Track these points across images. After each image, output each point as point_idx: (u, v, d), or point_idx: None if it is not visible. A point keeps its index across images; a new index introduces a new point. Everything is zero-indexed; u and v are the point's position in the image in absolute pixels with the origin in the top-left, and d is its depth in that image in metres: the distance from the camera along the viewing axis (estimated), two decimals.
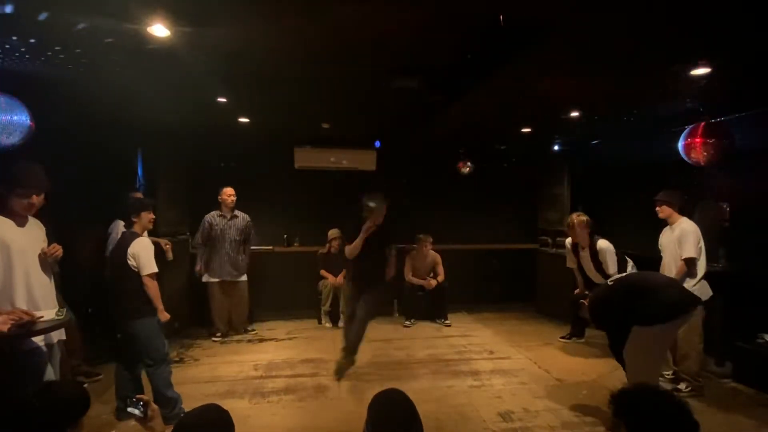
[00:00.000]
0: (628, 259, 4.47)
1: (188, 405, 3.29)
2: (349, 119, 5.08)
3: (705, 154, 3.87)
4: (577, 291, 4.80)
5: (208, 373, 4.23)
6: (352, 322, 4.11)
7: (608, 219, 5.03)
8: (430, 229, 6.02)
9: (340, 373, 4.06)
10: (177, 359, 4.44)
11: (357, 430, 1.53)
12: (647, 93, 3.77)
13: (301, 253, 6.32)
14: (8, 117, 2.85)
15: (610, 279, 3.31)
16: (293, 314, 6.06)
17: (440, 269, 6.02)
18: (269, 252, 6.25)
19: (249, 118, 4.93)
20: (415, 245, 6.03)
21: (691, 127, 3.98)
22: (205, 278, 5.22)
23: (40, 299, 2.45)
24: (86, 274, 3.96)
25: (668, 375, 3.96)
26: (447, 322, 5.90)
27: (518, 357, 4.71)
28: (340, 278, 5.78)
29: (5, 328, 2.09)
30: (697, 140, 3.88)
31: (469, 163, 6.55)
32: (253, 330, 5.49)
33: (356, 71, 3.27)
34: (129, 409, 1.71)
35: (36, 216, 2.56)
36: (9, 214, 2.41)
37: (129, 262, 3.06)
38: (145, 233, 3.26)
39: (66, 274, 3.73)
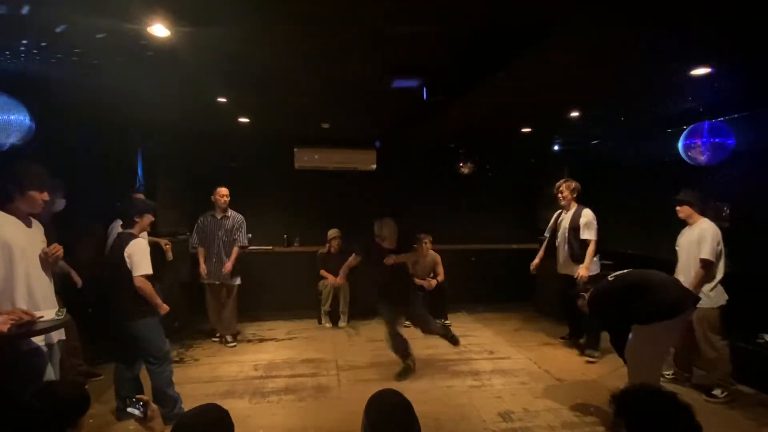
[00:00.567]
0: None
1: (188, 405, 3.29)
2: (349, 119, 5.08)
3: (705, 154, 3.88)
4: (534, 262, 5.01)
5: (208, 373, 4.23)
6: (396, 339, 4.20)
7: (608, 219, 5.02)
8: (429, 229, 6.01)
9: (404, 375, 4.14)
10: (177, 359, 4.43)
11: (357, 430, 1.53)
12: (647, 93, 3.77)
13: (301, 253, 6.32)
14: (8, 117, 2.85)
15: (611, 275, 3.29)
16: (293, 314, 6.06)
17: (440, 269, 6.01)
18: (269, 252, 6.25)
19: (249, 118, 4.93)
20: (414, 245, 6.02)
21: (691, 127, 3.98)
22: (202, 279, 5.07)
23: (41, 299, 2.45)
24: (86, 274, 3.95)
25: (668, 375, 3.96)
26: (447, 322, 5.89)
27: (518, 357, 4.71)
28: (340, 278, 5.76)
29: (5, 328, 2.09)
30: (698, 140, 3.89)
31: (469, 163, 6.55)
32: (233, 345, 4.98)
33: (356, 71, 3.27)
34: (129, 409, 1.71)
35: (35, 216, 2.56)
36: (14, 213, 2.41)
37: (126, 262, 3.06)
38: (143, 234, 3.27)
39: (65, 274, 3.75)
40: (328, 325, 5.80)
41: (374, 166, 6.40)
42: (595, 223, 4.57)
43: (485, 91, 3.57)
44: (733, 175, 4.19)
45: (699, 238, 3.65)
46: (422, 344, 5.05)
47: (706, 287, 3.59)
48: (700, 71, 3.07)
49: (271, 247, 6.26)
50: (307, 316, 5.98)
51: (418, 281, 5.92)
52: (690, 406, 1.37)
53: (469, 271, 6.72)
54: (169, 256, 4.53)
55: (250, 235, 6.05)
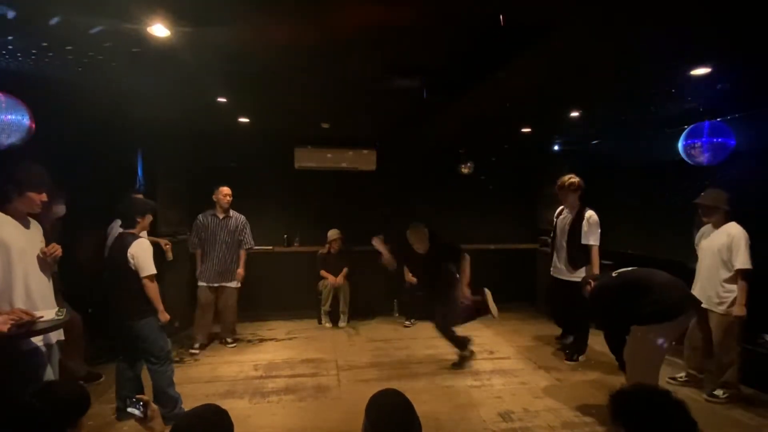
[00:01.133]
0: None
1: (188, 405, 3.29)
2: (349, 119, 5.08)
3: (705, 154, 3.87)
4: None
5: (208, 373, 4.23)
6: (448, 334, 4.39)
7: (608, 219, 5.02)
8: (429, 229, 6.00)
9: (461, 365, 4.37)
10: (177, 359, 4.43)
11: (357, 430, 1.53)
12: (647, 93, 3.76)
13: (301, 253, 6.31)
14: (8, 117, 2.85)
15: (615, 272, 3.27)
16: (293, 314, 6.06)
17: None
18: (269, 252, 6.25)
19: (249, 118, 4.93)
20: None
21: (691, 127, 3.98)
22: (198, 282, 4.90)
23: (39, 299, 2.45)
24: (86, 274, 3.95)
25: (681, 378, 3.94)
26: None
27: (518, 357, 4.71)
28: (340, 278, 5.78)
29: (5, 328, 2.10)
30: (698, 140, 3.88)
31: (469, 163, 6.55)
32: (234, 345, 4.99)
33: (356, 71, 3.27)
34: (129, 410, 1.71)
35: (36, 215, 2.56)
36: (12, 213, 2.41)
37: (130, 262, 3.06)
38: (143, 234, 3.27)
39: (66, 273, 3.75)
40: (328, 325, 5.80)
41: (374, 166, 6.40)
42: (599, 227, 4.43)
43: (485, 91, 3.57)
44: (733, 175, 4.19)
45: (731, 246, 3.50)
46: (422, 344, 5.07)
47: (731, 291, 3.52)
48: (700, 71, 3.07)
49: (271, 247, 6.25)
50: (307, 316, 5.98)
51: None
52: (684, 403, 1.38)
53: (470, 270, 6.70)
54: (169, 256, 4.52)
55: None
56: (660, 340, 3.05)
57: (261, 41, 2.69)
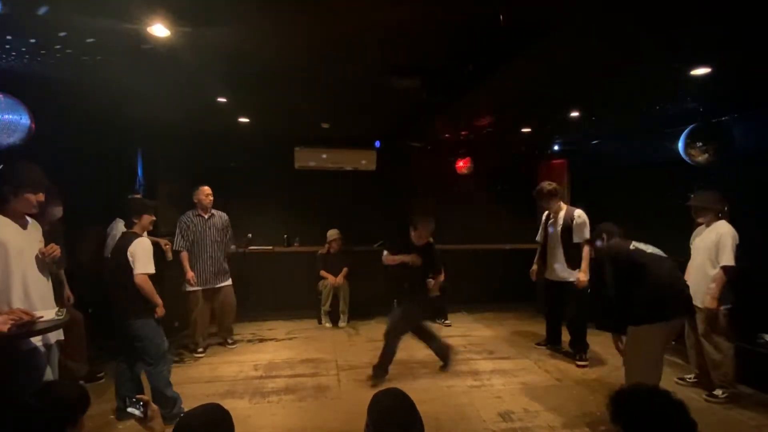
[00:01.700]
0: None
1: (188, 405, 3.28)
2: (349, 119, 5.08)
3: (705, 154, 3.87)
4: (533, 269, 4.95)
5: (208, 373, 4.23)
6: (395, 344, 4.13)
7: (608, 219, 5.02)
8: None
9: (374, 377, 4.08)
10: (177, 359, 4.43)
11: (357, 430, 1.53)
12: (647, 93, 3.77)
13: (301, 253, 6.31)
14: (8, 117, 2.85)
15: (634, 244, 3.26)
16: (293, 314, 6.05)
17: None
18: (269, 252, 6.25)
19: (249, 118, 4.93)
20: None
21: (691, 127, 3.98)
22: (186, 287, 4.68)
23: (37, 300, 2.45)
24: (86, 274, 3.95)
25: (690, 378, 3.94)
26: (447, 322, 5.90)
27: (518, 357, 4.71)
28: (339, 278, 5.78)
29: (5, 328, 2.10)
30: (695, 140, 3.88)
31: (469, 163, 6.55)
32: (233, 344, 5.00)
33: (356, 71, 3.27)
34: (129, 409, 1.71)
35: (34, 216, 2.56)
36: (9, 214, 2.41)
37: (129, 261, 3.07)
38: (145, 233, 3.27)
39: (67, 274, 3.75)
40: (328, 325, 5.80)
41: (374, 166, 6.40)
42: (588, 224, 4.44)
43: (485, 91, 3.57)
44: (733, 175, 4.19)
45: (718, 243, 3.57)
46: (422, 344, 5.06)
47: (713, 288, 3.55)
48: (700, 71, 3.07)
49: (271, 247, 6.26)
50: (307, 316, 5.98)
51: None
52: (683, 403, 1.38)
53: (469, 271, 6.72)
54: (169, 256, 4.52)
55: (250, 236, 6.08)
56: (653, 344, 3.04)
57: (261, 41, 2.69)
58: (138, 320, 3.10)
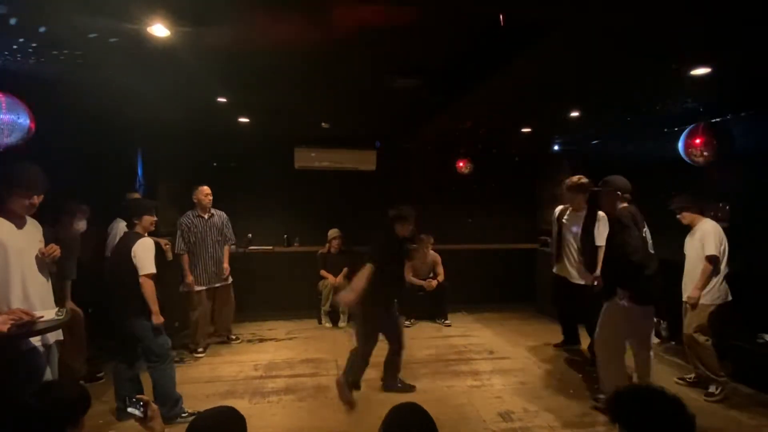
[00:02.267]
0: None
1: (188, 405, 3.30)
2: (349, 119, 5.08)
3: (705, 154, 3.87)
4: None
5: (208, 373, 4.23)
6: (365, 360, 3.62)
7: (607, 219, 5.02)
8: (429, 229, 6.01)
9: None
10: (177, 359, 4.42)
11: (357, 429, 1.53)
12: (647, 93, 3.76)
13: (301, 253, 6.32)
14: (8, 117, 2.84)
15: (642, 231, 3.33)
16: (293, 314, 6.05)
17: (440, 269, 6.02)
18: (269, 252, 6.25)
19: (249, 118, 4.93)
20: (415, 245, 6.02)
21: (690, 127, 3.97)
22: (185, 288, 4.68)
23: (37, 300, 2.45)
24: (86, 274, 3.95)
25: (690, 378, 3.94)
26: (447, 322, 5.90)
27: (518, 357, 4.71)
28: (340, 278, 5.77)
29: (5, 328, 2.10)
30: (697, 140, 3.88)
31: (469, 163, 6.55)
32: (236, 339, 5.10)
33: (356, 71, 3.27)
34: (129, 410, 1.71)
35: (34, 216, 2.56)
36: (7, 214, 2.41)
37: (133, 260, 3.07)
38: (146, 234, 3.27)
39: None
40: (328, 325, 5.80)
41: (374, 166, 6.40)
42: (608, 228, 4.24)
43: (485, 91, 3.57)
44: (733, 175, 4.19)
45: (701, 238, 3.69)
46: (422, 344, 5.06)
47: (710, 282, 3.62)
48: (700, 71, 3.07)
49: (271, 247, 6.26)
50: (307, 316, 5.98)
51: (418, 282, 5.93)
52: (679, 398, 1.38)
53: (469, 271, 6.72)
54: (169, 256, 4.52)
55: (250, 236, 6.09)
56: (620, 325, 3.26)
57: (261, 41, 2.69)
58: (138, 320, 3.10)
